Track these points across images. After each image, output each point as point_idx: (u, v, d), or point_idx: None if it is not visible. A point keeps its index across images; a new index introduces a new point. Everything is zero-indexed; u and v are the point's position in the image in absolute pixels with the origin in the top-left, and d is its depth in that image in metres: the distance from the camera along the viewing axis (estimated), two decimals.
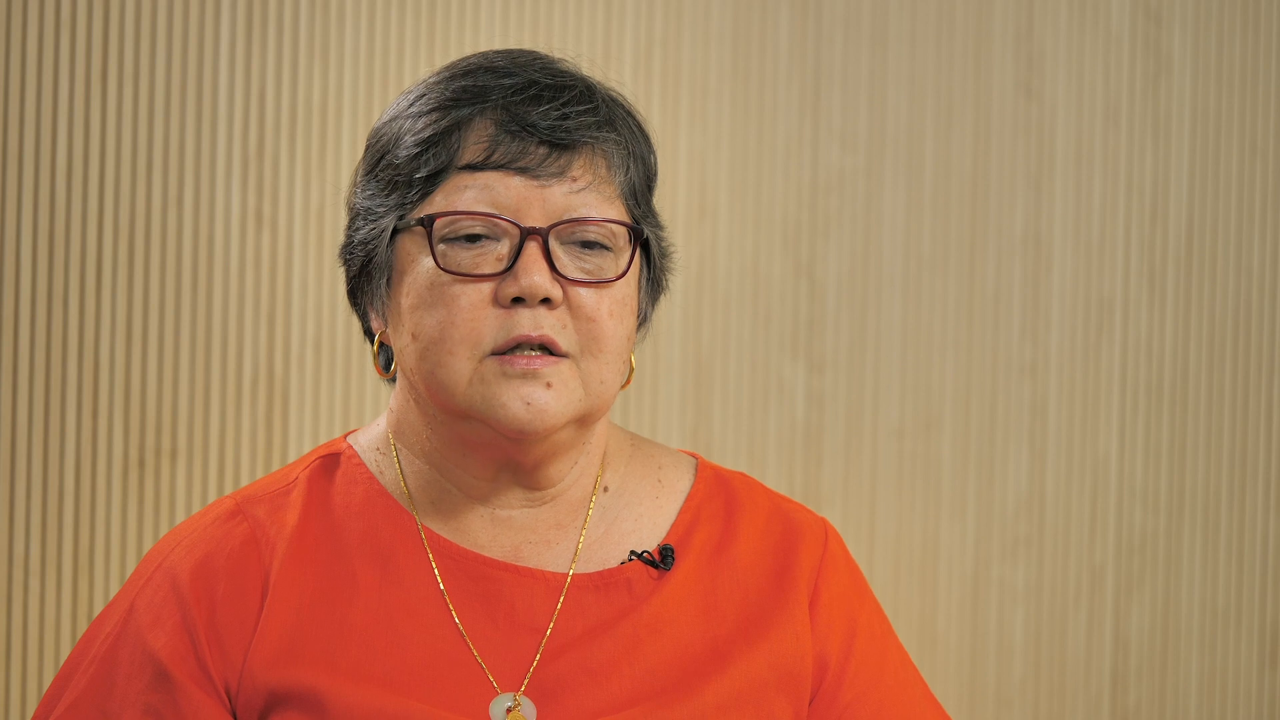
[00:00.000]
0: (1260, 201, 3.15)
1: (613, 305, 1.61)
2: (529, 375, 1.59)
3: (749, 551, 1.69)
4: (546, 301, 1.59)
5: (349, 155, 2.81)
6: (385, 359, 1.69)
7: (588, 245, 1.62)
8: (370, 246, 1.64)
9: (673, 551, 1.67)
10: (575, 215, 1.61)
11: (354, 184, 1.68)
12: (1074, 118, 3.08)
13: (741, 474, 1.76)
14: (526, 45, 1.71)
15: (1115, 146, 3.10)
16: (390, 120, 1.65)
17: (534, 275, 1.59)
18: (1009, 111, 3.05)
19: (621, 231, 1.63)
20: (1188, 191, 3.12)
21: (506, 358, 1.59)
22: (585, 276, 1.61)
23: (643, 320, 1.70)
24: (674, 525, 1.70)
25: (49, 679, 2.72)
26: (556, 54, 1.69)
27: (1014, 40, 3.06)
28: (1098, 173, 3.09)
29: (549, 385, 1.59)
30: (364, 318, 1.69)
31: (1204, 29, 3.12)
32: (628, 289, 1.64)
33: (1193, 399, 3.13)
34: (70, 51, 2.74)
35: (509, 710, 1.59)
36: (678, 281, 2.94)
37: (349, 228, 1.67)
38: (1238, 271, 3.14)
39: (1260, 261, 3.15)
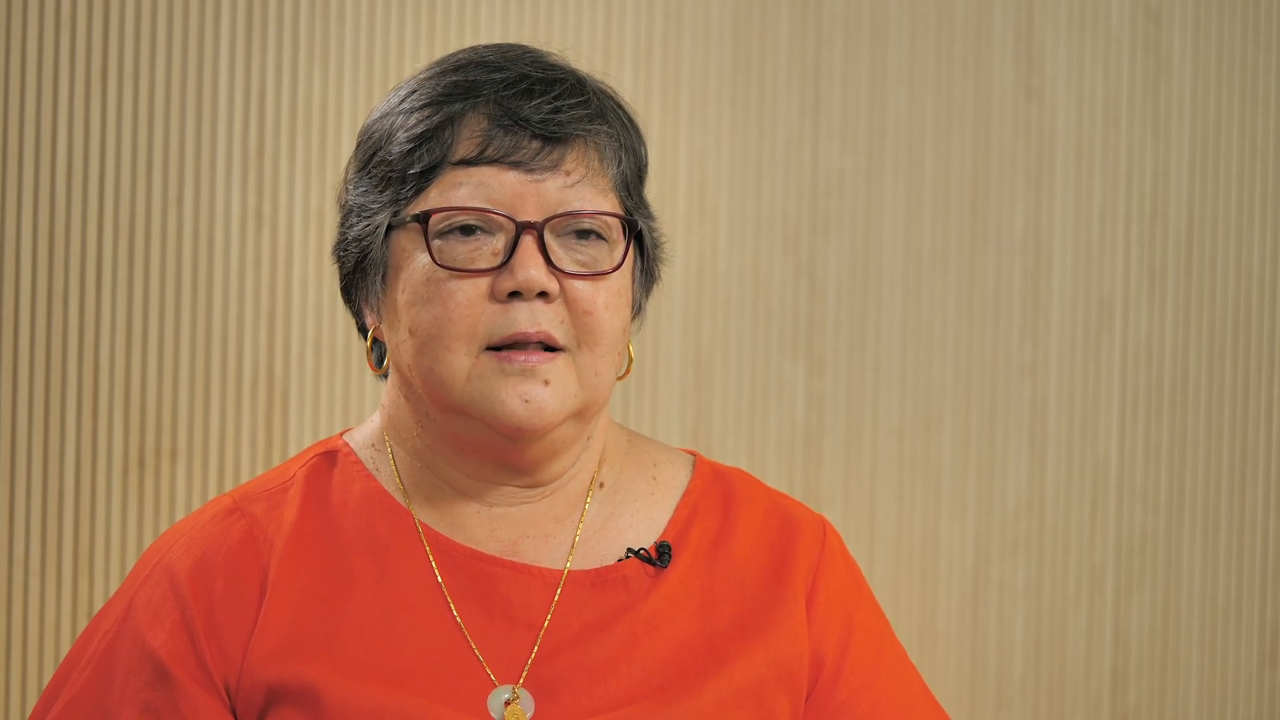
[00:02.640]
0: (1260, 201, 3.15)
1: (608, 298, 1.62)
2: (527, 373, 1.59)
3: (746, 547, 1.69)
4: (543, 295, 1.59)
5: (349, 155, 2.81)
6: (379, 355, 1.69)
7: (583, 235, 1.62)
8: (365, 243, 1.65)
9: (669, 549, 1.67)
10: (570, 209, 1.61)
11: (346, 181, 1.68)
12: (1074, 118, 3.08)
13: (740, 470, 1.75)
14: (527, 44, 1.71)
15: (1115, 146, 3.10)
16: (381, 117, 1.66)
17: (530, 269, 1.59)
18: (1009, 111, 3.05)
19: (615, 223, 1.63)
20: (1188, 191, 3.12)
21: (504, 354, 1.59)
22: (581, 269, 1.61)
23: (637, 311, 1.70)
24: (670, 521, 1.69)
25: (49, 678, 2.72)
26: (547, 49, 1.69)
27: (1014, 40, 3.06)
28: (1098, 173, 3.09)
29: (547, 382, 1.59)
30: (358, 315, 1.69)
31: (1204, 29, 3.12)
32: (623, 281, 1.64)
33: (1193, 399, 3.13)
34: (70, 51, 2.74)
35: (507, 703, 1.59)
36: (678, 281, 2.95)
37: (342, 225, 1.67)
38: (1238, 271, 3.14)
39: (1260, 261, 3.15)
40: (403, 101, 1.65)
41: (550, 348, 1.60)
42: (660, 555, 1.66)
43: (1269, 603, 3.15)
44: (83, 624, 2.73)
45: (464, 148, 1.61)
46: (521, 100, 1.62)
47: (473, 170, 1.61)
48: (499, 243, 1.60)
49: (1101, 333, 3.09)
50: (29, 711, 2.73)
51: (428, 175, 1.62)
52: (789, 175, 2.98)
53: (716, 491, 1.72)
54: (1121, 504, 3.10)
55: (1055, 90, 3.07)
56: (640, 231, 1.67)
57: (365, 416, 2.81)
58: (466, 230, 1.61)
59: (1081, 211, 3.08)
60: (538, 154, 1.61)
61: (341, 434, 1.74)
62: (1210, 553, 3.13)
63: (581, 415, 1.63)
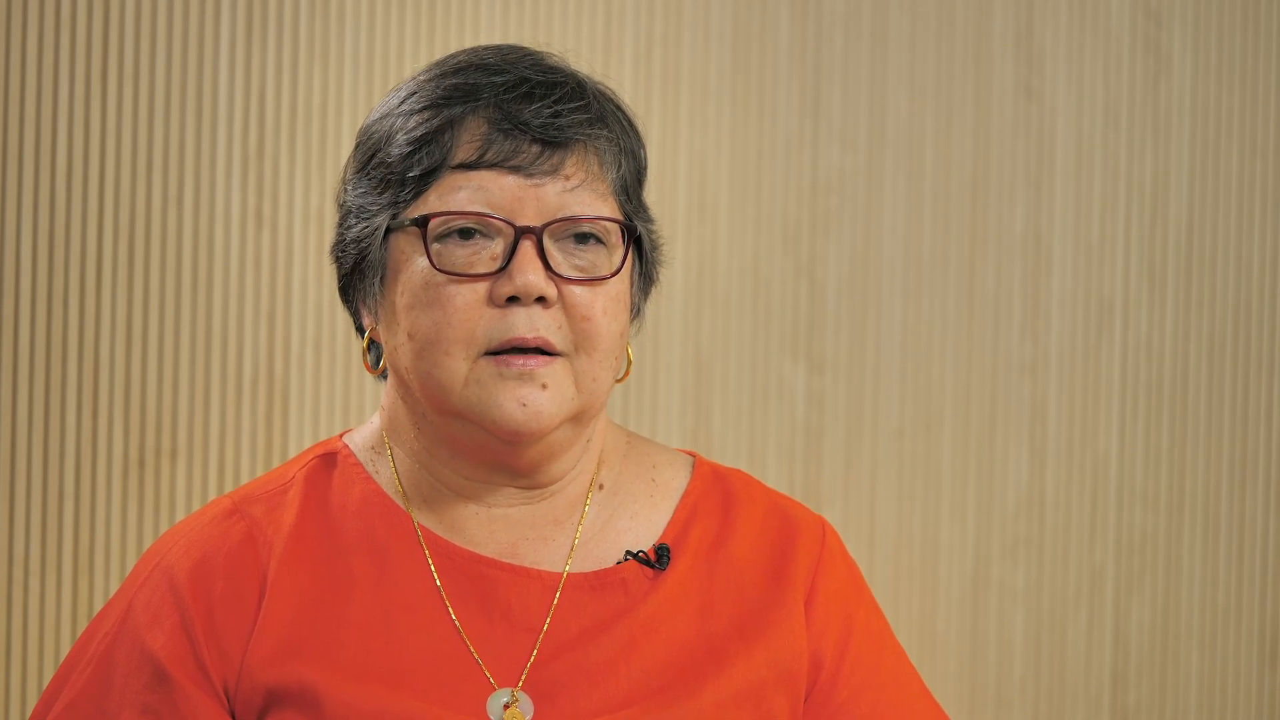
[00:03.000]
0: (1260, 201, 3.15)
1: (606, 303, 1.62)
2: (525, 377, 1.59)
3: (746, 548, 1.69)
4: (541, 300, 1.59)
5: (348, 155, 2.81)
6: (375, 356, 1.69)
7: (581, 239, 1.62)
8: (363, 244, 1.64)
9: (668, 551, 1.67)
10: (569, 214, 1.61)
11: (344, 181, 1.68)
12: (1074, 118, 3.08)
13: (739, 471, 1.75)
14: (526, 46, 1.70)
15: (1115, 146, 3.10)
16: (381, 118, 1.65)
17: (529, 274, 1.59)
18: (1009, 111, 3.05)
19: (615, 227, 1.63)
20: (1188, 191, 3.12)
21: (502, 358, 1.59)
22: (579, 274, 1.61)
23: (636, 314, 1.70)
24: (670, 523, 1.69)
25: (49, 679, 2.72)
26: (547, 50, 1.69)
27: (1014, 40, 3.06)
28: (1098, 173, 3.09)
29: (544, 386, 1.59)
30: (355, 314, 1.69)
31: (1204, 29, 3.12)
32: (621, 285, 1.64)
33: (1193, 399, 3.13)
34: (70, 51, 2.74)
35: (506, 706, 1.59)
36: (678, 281, 2.95)
37: (340, 225, 1.67)
38: (1238, 271, 3.14)
39: (1260, 261, 3.15)
40: (402, 103, 1.64)
41: (548, 352, 1.60)
42: (659, 558, 1.66)
43: (1269, 603, 3.15)
44: (83, 624, 2.73)
45: (463, 151, 1.61)
46: (521, 104, 1.61)
47: (472, 174, 1.61)
48: (498, 247, 1.60)
49: (1101, 333, 3.09)
50: (29, 712, 2.73)
51: (427, 178, 1.62)
52: (789, 175, 2.98)
53: (716, 493, 1.72)
54: (1121, 504, 3.10)
55: (1055, 90, 3.07)
56: (639, 236, 1.66)
57: (365, 417, 2.81)
58: (465, 234, 1.60)
59: (1081, 211, 3.08)
60: (537, 158, 1.61)
61: (341, 435, 1.74)
62: (1210, 553, 3.13)
63: (579, 419, 1.63)
